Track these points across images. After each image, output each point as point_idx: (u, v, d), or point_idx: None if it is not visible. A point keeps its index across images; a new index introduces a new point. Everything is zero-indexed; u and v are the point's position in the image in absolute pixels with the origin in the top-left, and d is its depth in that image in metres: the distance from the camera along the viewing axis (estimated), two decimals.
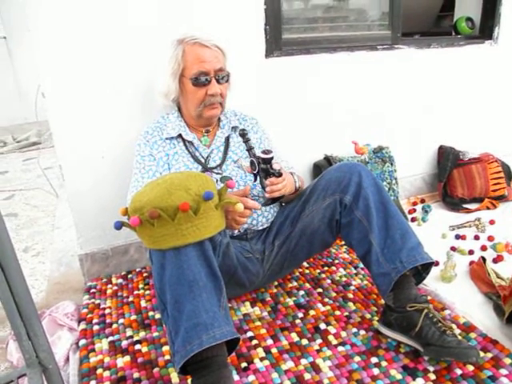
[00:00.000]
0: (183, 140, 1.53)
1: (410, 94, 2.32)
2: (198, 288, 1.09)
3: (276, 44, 1.94)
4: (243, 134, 1.42)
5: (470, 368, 1.24)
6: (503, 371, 1.22)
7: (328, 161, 2.10)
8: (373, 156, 2.17)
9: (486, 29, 2.47)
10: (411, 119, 2.37)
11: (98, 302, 1.68)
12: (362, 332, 1.44)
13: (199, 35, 1.46)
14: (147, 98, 1.69)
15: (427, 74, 2.33)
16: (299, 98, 2.05)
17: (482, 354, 1.28)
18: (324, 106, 2.11)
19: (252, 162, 1.39)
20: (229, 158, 1.54)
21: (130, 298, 1.70)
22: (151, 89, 1.62)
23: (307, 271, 1.82)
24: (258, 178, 1.41)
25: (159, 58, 1.52)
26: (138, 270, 1.91)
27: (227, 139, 1.58)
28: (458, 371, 1.24)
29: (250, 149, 1.40)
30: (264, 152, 1.35)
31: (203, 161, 1.52)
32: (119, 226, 1.14)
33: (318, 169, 2.11)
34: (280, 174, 1.36)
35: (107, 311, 1.62)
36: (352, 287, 1.69)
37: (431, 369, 1.26)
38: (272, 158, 1.35)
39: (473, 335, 1.37)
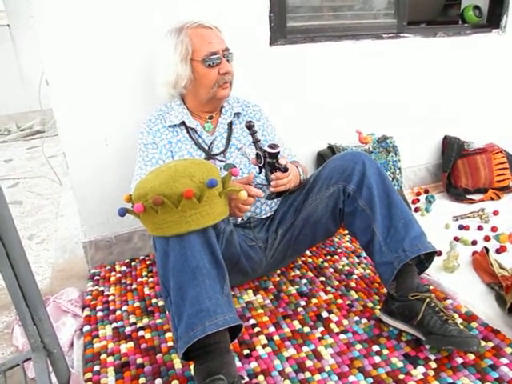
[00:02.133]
0: (186, 127, 1.53)
1: (415, 84, 2.30)
2: (201, 275, 1.10)
3: (281, 32, 1.92)
4: (250, 126, 1.38)
5: (471, 357, 1.25)
6: (504, 360, 1.23)
7: (332, 150, 2.10)
8: (377, 145, 2.16)
9: (493, 17, 2.44)
10: (416, 109, 2.36)
11: (101, 288, 1.70)
12: (364, 320, 1.44)
13: (198, 19, 1.47)
14: (149, 85, 1.68)
15: (433, 64, 2.31)
16: (303, 86, 2.04)
17: (483, 343, 1.29)
18: (328, 95, 2.10)
19: (258, 155, 1.37)
20: (232, 144, 1.54)
21: (134, 286, 1.71)
22: (153, 76, 1.61)
23: (310, 260, 1.82)
24: (264, 171, 1.40)
25: (159, 46, 1.51)
26: (141, 257, 1.92)
27: (230, 125, 1.58)
28: (459, 360, 1.25)
29: (256, 141, 1.37)
30: (271, 146, 1.33)
31: (207, 148, 1.51)
32: (123, 212, 1.14)
33: (321, 158, 2.10)
34: (286, 169, 1.35)
35: (111, 298, 1.64)
36: (354, 276, 1.69)
37: (432, 357, 1.27)
38: (279, 152, 1.34)
39: (474, 325, 1.38)
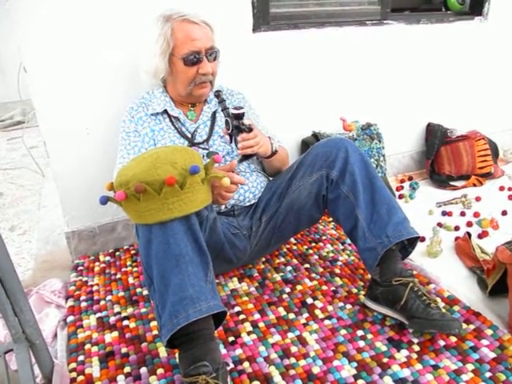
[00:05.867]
0: (169, 116, 1.51)
1: (398, 71, 2.31)
2: (184, 262, 1.09)
3: (263, 18, 1.90)
4: (218, 95, 1.42)
5: (453, 339, 1.27)
6: (484, 342, 1.25)
7: (316, 137, 2.09)
8: (361, 133, 2.16)
9: (476, 5, 2.45)
10: (400, 96, 2.36)
11: (85, 279, 1.68)
12: (349, 306, 1.45)
13: (187, 11, 1.42)
14: (131, 72, 1.65)
15: (416, 51, 2.31)
16: (287, 73, 2.02)
17: (464, 325, 1.31)
18: (312, 82, 2.09)
19: (227, 122, 1.39)
20: (215, 133, 1.53)
21: (118, 275, 1.69)
22: (135, 63, 1.58)
23: (295, 247, 1.83)
24: (233, 138, 1.41)
25: (143, 33, 1.48)
26: (125, 247, 1.91)
27: (214, 114, 1.56)
28: (442, 342, 1.26)
29: (224, 109, 1.41)
30: (235, 108, 1.36)
31: (190, 136, 1.50)
32: (105, 200, 1.12)
33: (306, 145, 2.10)
34: (250, 130, 1.37)
35: (95, 288, 1.62)
36: (339, 262, 1.70)
37: (415, 341, 1.28)
38: (243, 113, 1.36)
39: (456, 308, 1.40)
